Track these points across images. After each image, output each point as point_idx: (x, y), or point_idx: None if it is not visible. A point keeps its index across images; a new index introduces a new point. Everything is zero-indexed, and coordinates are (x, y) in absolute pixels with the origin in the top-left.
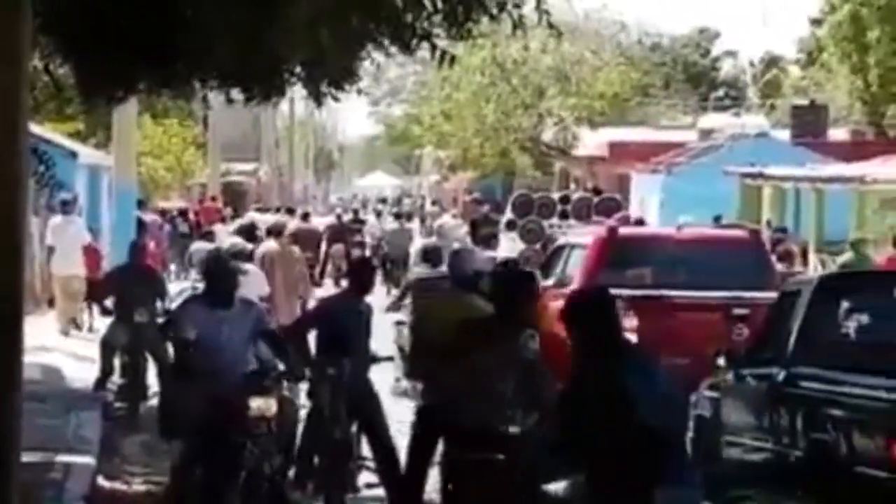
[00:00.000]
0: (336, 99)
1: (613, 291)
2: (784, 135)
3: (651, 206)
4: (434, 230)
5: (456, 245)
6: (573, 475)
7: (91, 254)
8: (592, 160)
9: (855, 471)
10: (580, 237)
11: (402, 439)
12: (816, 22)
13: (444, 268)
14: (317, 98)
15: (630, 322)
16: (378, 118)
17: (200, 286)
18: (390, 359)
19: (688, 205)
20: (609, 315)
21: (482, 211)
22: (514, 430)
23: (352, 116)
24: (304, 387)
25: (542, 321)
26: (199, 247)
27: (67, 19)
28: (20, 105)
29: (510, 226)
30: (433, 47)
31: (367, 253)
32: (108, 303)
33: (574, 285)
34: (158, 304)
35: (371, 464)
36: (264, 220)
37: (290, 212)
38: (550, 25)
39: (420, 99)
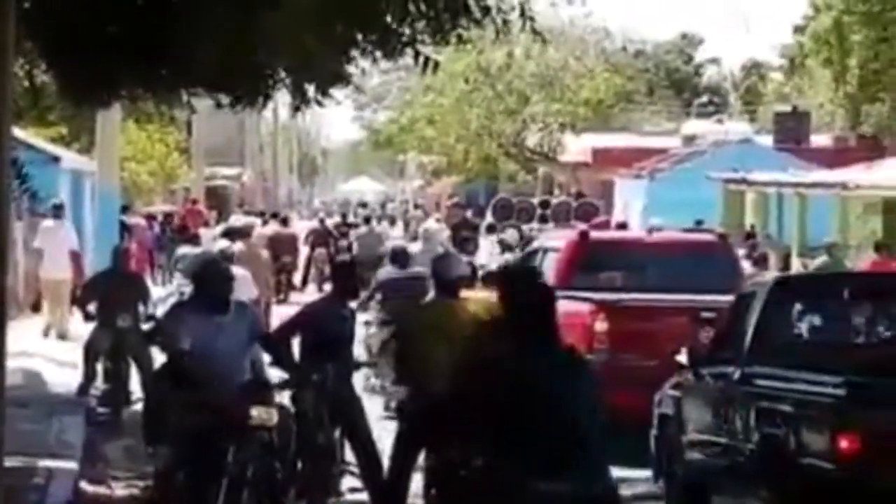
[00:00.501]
0: (321, 104)
1: (584, 294)
2: (767, 141)
3: (634, 212)
4: (419, 234)
5: (440, 249)
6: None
7: (75, 259)
8: (576, 166)
9: (803, 463)
10: (553, 241)
11: (384, 439)
12: (799, 29)
13: (412, 269)
14: (303, 103)
15: (601, 325)
16: (362, 124)
17: (187, 290)
18: (373, 364)
19: (671, 210)
20: (546, 301)
21: (463, 215)
22: None
23: (336, 122)
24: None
25: None
26: (184, 251)
27: (51, 25)
28: (4, 111)
29: (490, 230)
30: (417, 53)
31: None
32: (91, 308)
33: None
34: (141, 308)
35: (354, 468)
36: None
37: (275, 216)
38: (535, 32)
39: (404, 104)
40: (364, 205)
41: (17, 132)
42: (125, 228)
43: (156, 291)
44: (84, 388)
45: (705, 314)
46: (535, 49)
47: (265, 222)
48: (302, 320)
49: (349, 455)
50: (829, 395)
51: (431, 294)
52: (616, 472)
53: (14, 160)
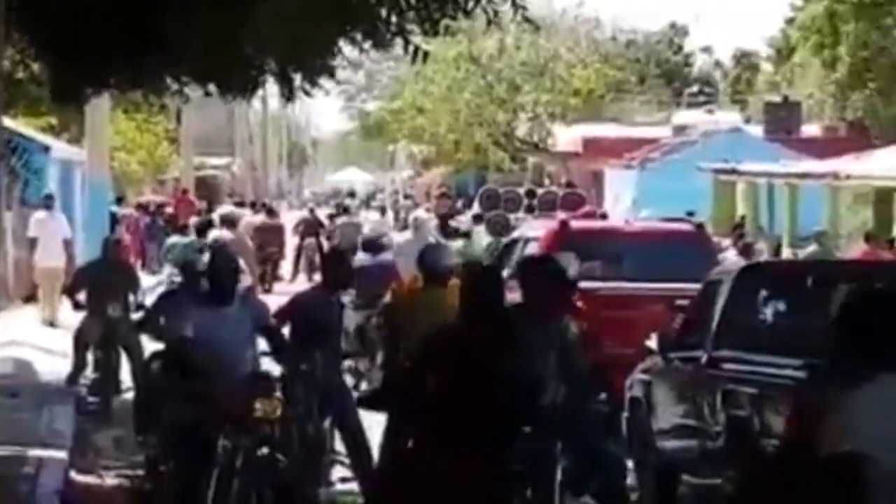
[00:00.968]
0: (308, 94)
1: None
2: (757, 131)
3: (625, 202)
4: (410, 223)
5: (430, 239)
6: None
7: (68, 247)
8: (566, 156)
9: (765, 444)
10: (534, 230)
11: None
12: (790, 21)
13: (382, 256)
14: (291, 93)
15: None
16: (352, 114)
17: (178, 280)
18: (362, 353)
19: (661, 201)
20: (496, 287)
21: (450, 205)
22: (546, 402)
23: (326, 112)
24: None
25: None
26: (174, 241)
27: (41, 16)
28: None
29: (477, 219)
30: (406, 43)
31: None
32: (81, 297)
33: None
34: (131, 298)
35: (345, 458)
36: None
37: (263, 206)
38: (527, 20)
39: (394, 93)
40: (353, 195)
41: (8, 122)
42: (115, 219)
43: (146, 281)
44: (73, 378)
45: (681, 302)
46: (525, 39)
47: (256, 212)
48: (291, 309)
49: (339, 445)
50: (789, 378)
51: (419, 283)
52: None
53: (14, 147)
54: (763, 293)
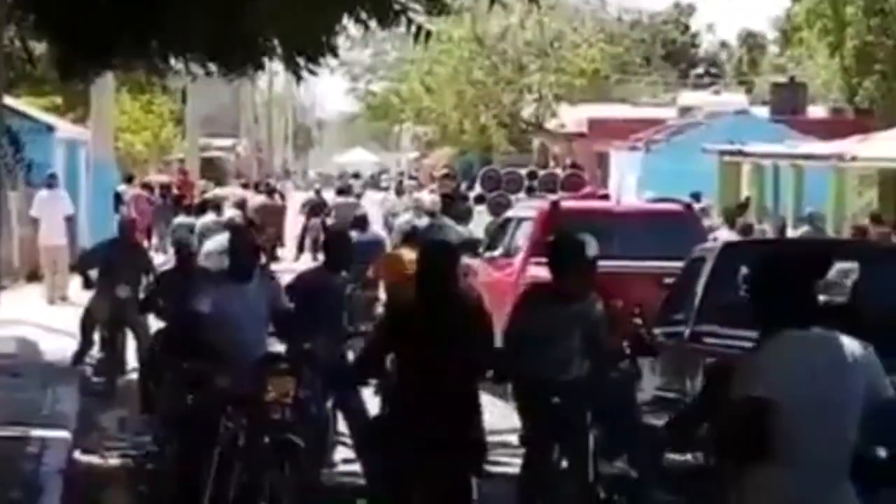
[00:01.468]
0: (312, 73)
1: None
2: (763, 112)
3: (630, 183)
4: (412, 204)
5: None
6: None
7: (70, 223)
8: (572, 137)
9: None
10: (526, 211)
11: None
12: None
13: (370, 233)
14: (294, 72)
15: None
16: (357, 95)
17: None
18: (365, 333)
19: (666, 182)
20: (450, 264)
21: (453, 185)
22: (572, 377)
23: (331, 93)
24: None
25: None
26: (180, 220)
27: None
28: None
29: (479, 200)
30: (409, 22)
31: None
32: (92, 274)
33: (520, 256)
34: (144, 280)
35: (347, 439)
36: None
37: (268, 187)
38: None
39: (400, 75)
40: (357, 176)
41: (12, 101)
42: (119, 199)
43: (156, 260)
44: (79, 357)
45: (668, 280)
46: (530, 19)
47: (259, 193)
48: (293, 290)
49: (342, 426)
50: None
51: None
52: None
53: (8, 128)
54: (744, 270)
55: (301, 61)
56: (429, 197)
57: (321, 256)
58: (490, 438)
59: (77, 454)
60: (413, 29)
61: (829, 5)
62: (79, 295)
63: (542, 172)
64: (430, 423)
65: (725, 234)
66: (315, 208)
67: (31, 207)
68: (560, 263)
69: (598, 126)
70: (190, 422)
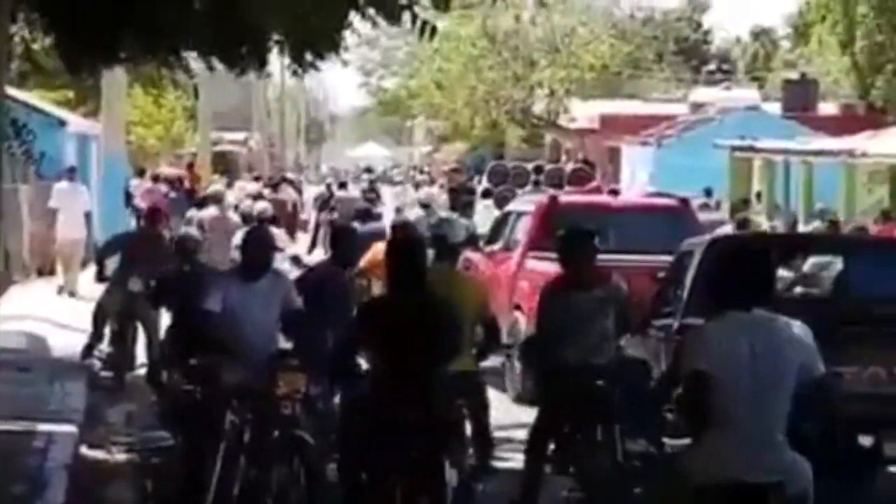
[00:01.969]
0: (316, 68)
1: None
2: (775, 108)
3: (641, 179)
4: (422, 198)
5: (442, 214)
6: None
7: (88, 219)
8: (583, 132)
9: None
10: (525, 205)
11: None
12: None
13: (371, 225)
14: (300, 67)
15: None
16: (370, 89)
17: None
18: None
19: (678, 177)
20: (418, 257)
21: (460, 180)
22: (606, 358)
23: (343, 88)
24: None
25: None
26: (192, 213)
27: None
28: None
29: (486, 194)
30: (414, 17)
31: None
32: (110, 266)
33: (519, 250)
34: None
35: None
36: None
37: (284, 180)
38: None
39: (412, 71)
40: (370, 170)
41: (23, 95)
42: (129, 195)
43: None
44: (89, 350)
45: (662, 274)
46: (541, 15)
47: (273, 187)
48: (299, 285)
49: None
50: None
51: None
52: None
53: (13, 120)
54: None
55: (308, 56)
56: (426, 190)
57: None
58: (496, 434)
59: (83, 449)
60: (419, 24)
61: (840, 2)
62: (88, 289)
63: (548, 167)
64: (400, 409)
65: (729, 229)
66: (325, 203)
67: (44, 200)
68: (574, 253)
69: (610, 122)
70: (196, 417)
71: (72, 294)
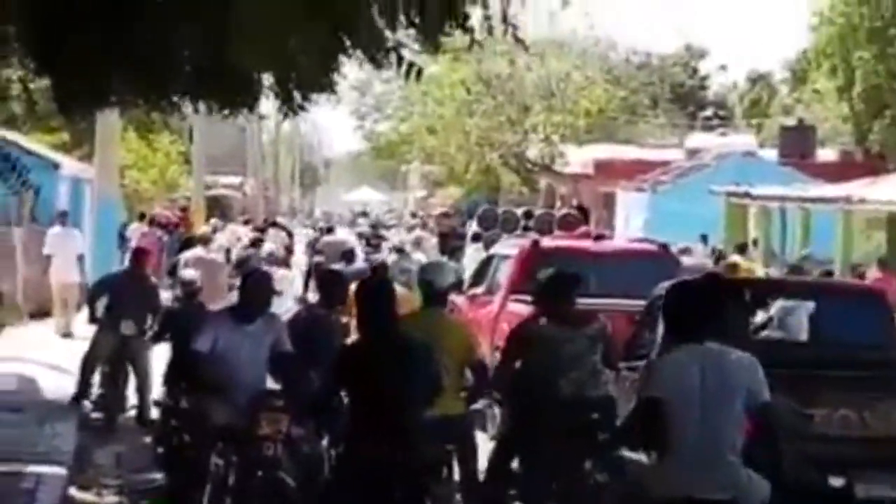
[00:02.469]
0: (305, 109)
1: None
2: (772, 154)
3: (636, 224)
4: (412, 241)
5: (421, 257)
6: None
7: (82, 262)
8: (578, 178)
9: None
10: (507, 249)
11: None
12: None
13: (355, 266)
14: (289, 108)
15: None
16: (364, 134)
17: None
18: None
19: (673, 223)
20: (385, 300)
21: (451, 225)
22: (599, 393)
23: (338, 132)
24: None
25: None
26: (187, 255)
27: (41, 31)
28: None
29: (476, 238)
30: (399, 59)
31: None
32: (100, 308)
33: (501, 293)
34: (150, 318)
35: None
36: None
37: (275, 225)
38: (517, 39)
39: (406, 114)
40: (365, 214)
41: (18, 138)
42: (123, 238)
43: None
44: (78, 399)
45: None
46: (536, 60)
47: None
48: (294, 325)
49: None
50: None
51: (417, 303)
52: None
53: (6, 155)
54: None
55: (298, 97)
56: (417, 234)
57: None
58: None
59: (72, 490)
60: (404, 66)
61: (838, 46)
62: (82, 331)
63: (538, 212)
64: (379, 450)
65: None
66: (312, 246)
67: (37, 244)
68: (560, 293)
69: (605, 167)
70: (182, 459)
71: (66, 335)
